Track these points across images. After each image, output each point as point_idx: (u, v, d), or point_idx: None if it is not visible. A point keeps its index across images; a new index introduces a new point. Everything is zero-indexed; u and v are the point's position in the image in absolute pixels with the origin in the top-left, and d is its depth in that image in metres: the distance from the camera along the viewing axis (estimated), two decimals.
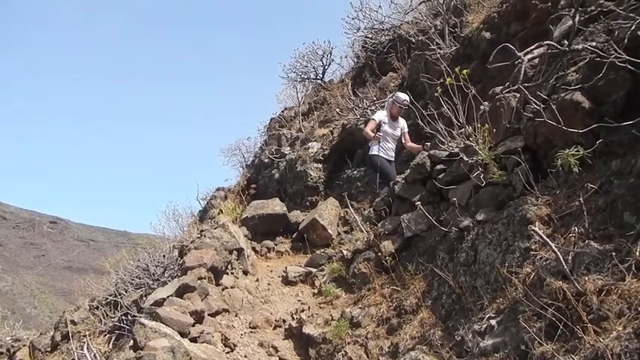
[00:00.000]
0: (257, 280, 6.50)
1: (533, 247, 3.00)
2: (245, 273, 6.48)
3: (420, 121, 5.07)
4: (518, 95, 3.62)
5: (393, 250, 4.73)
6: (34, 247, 69.79)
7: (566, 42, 3.29)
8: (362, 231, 5.64)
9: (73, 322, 6.76)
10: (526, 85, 3.45)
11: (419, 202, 4.48)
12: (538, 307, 2.59)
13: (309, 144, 9.75)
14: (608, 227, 2.66)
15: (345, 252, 5.80)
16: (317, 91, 12.54)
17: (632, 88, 2.88)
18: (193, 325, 4.86)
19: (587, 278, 2.45)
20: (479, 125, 3.85)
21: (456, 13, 7.37)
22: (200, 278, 5.64)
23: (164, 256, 6.81)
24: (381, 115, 6.72)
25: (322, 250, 6.92)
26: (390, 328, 4.14)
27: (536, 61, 3.78)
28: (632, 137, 2.77)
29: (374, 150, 6.59)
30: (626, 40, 2.88)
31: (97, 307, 6.55)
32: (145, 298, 5.78)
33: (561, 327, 2.42)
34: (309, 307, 5.51)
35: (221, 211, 9.51)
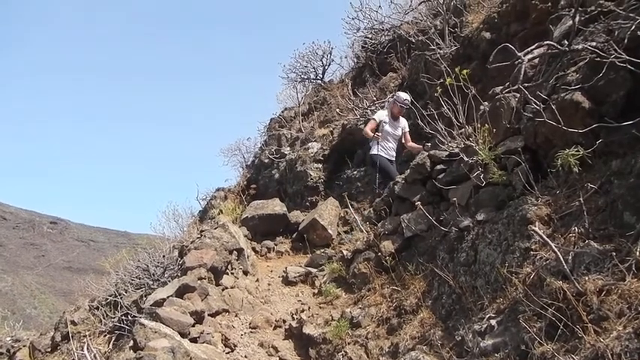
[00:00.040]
0: (257, 280, 6.50)
1: (533, 247, 3.00)
2: (245, 273, 6.48)
3: (420, 121, 5.07)
4: (518, 95, 3.62)
5: (393, 250, 4.73)
6: (34, 247, 69.77)
7: (566, 42, 3.29)
8: (362, 231, 5.64)
9: (73, 323, 6.76)
10: (526, 85, 3.45)
11: (419, 202, 4.48)
12: (538, 307, 2.58)
13: (309, 144, 9.76)
14: (608, 227, 2.66)
15: (345, 252, 5.80)
16: (317, 91, 12.54)
17: (632, 88, 2.88)
18: (193, 326, 4.86)
19: (587, 278, 2.45)
20: (479, 125, 3.85)
21: (456, 13, 7.37)
22: (200, 278, 5.64)
23: (164, 256, 6.81)
24: (382, 115, 6.72)
25: (322, 250, 6.92)
26: (390, 328, 4.14)
27: (536, 61, 3.78)
28: (632, 137, 2.77)
29: (375, 149, 6.59)
30: (626, 40, 2.88)
31: (97, 308, 6.55)
32: (145, 299, 5.78)
33: (561, 327, 2.42)
34: (309, 307, 5.51)
35: (221, 211, 9.51)
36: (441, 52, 6.93)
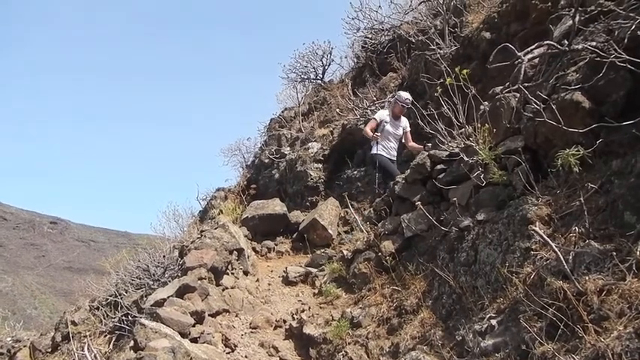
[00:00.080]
0: (257, 280, 6.50)
1: (533, 246, 3.00)
2: (245, 273, 6.48)
3: (420, 121, 5.07)
4: (519, 95, 3.62)
5: (393, 250, 4.73)
6: (35, 247, 69.77)
7: (566, 42, 3.29)
8: (362, 231, 5.64)
9: (74, 323, 6.76)
10: (526, 85, 3.45)
11: (419, 202, 4.48)
12: (539, 306, 2.59)
13: (309, 144, 9.76)
14: (609, 227, 2.66)
15: (345, 252, 5.80)
16: (317, 91, 12.54)
17: (632, 88, 2.88)
18: (194, 326, 4.87)
19: (587, 278, 2.45)
20: (479, 125, 3.85)
21: (456, 13, 7.38)
22: (200, 278, 5.64)
23: (164, 256, 6.81)
24: (383, 115, 6.71)
25: (322, 250, 6.92)
26: (391, 328, 4.14)
27: (537, 61, 3.78)
28: (632, 137, 2.77)
29: (376, 149, 6.58)
30: (626, 40, 2.88)
31: (98, 308, 6.55)
32: (145, 299, 5.78)
33: (562, 327, 2.42)
34: (309, 308, 5.51)
35: (221, 211, 9.51)
36: (441, 52, 6.93)
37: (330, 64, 12.63)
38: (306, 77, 12.86)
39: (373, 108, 8.71)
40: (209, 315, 5.23)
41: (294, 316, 5.48)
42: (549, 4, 4.76)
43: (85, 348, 5.22)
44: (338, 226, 7.53)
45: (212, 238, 6.31)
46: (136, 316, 5.39)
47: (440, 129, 4.45)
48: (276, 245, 7.83)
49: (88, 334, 6.17)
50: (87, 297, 7.63)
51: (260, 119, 20.80)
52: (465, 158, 4.00)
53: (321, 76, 12.78)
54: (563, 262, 2.58)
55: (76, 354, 5.34)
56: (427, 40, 7.35)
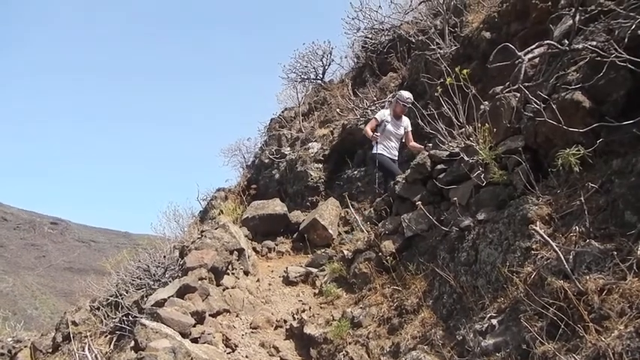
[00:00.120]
0: (258, 280, 6.50)
1: (534, 246, 3.00)
2: (246, 273, 6.48)
3: (420, 121, 5.07)
4: (519, 95, 3.62)
5: (393, 250, 4.73)
6: (35, 248, 69.82)
7: (566, 41, 3.29)
8: (362, 231, 5.64)
9: (74, 323, 6.77)
10: (526, 84, 3.45)
11: (419, 202, 4.48)
12: (539, 306, 2.59)
13: (310, 144, 9.77)
14: (609, 226, 2.66)
15: (345, 252, 5.81)
16: (317, 91, 12.55)
17: (632, 88, 2.88)
18: (194, 326, 4.87)
19: (588, 277, 2.45)
20: (479, 125, 3.86)
21: (456, 12, 7.38)
22: (201, 279, 5.64)
23: (165, 256, 6.82)
24: (384, 114, 6.70)
25: (323, 250, 6.92)
26: (391, 327, 4.14)
27: (537, 60, 3.78)
28: (632, 136, 2.77)
29: (377, 149, 6.57)
30: (626, 40, 2.88)
31: (98, 308, 6.55)
32: (145, 299, 5.78)
33: (563, 326, 2.42)
34: (310, 308, 5.51)
35: (221, 211, 9.52)
36: (441, 51, 6.93)
37: (330, 64, 12.66)
38: (306, 77, 12.87)
39: (373, 108, 8.72)
40: (210, 315, 5.23)
41: (295, 316, 5.48)
42: (549, 3, 4.76)
43: (86, 348, 5.22)
44: (338, 226, 7.54)
45: (212, 239, 6.31)
46: (137, 317, 5.39)
47: (440, 129, 4.45)
48: (277, 245, 7.83)
49: (88, 334, 6.17)
50: (87, 297, 7.64)
51: (260, 119, 20.86)
52: (466, 158, 4.00)
53: (321, 76, 12.79)
54: (564, 261, 2.58)
55: (76, 354, 5.34)
56: (427, 39, 7.35)
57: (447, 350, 3.25)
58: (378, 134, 6.59)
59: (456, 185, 4.18)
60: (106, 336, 6.14)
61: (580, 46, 3.18)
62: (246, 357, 4.85)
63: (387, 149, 6.58)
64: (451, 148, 4.42)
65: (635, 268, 2.31)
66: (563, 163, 2.97)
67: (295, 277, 6.46)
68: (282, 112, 12.92)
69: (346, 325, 4.55)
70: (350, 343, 4.36)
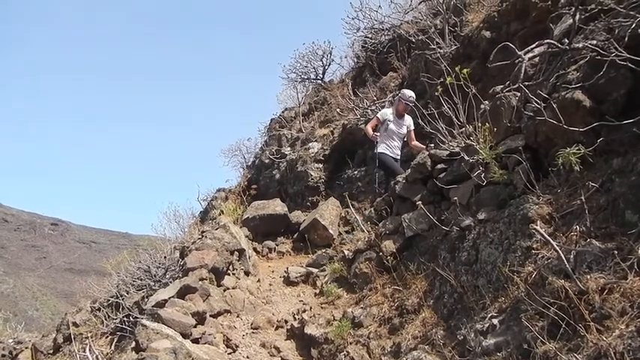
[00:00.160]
0: (258, 280, 6.50)
1: (534, 245, 3.00)
2: (246, 274, 6.48)
3: (420, 121, 5.07)
4: (519, 94, 3.62)
5: (394, 250, 4.73)
6: (36, 249, 69.89)
7: (566, 40, 3.29)
8: (363, 231, 5.64)
9: (75, 324, 6.77)
10: (526, 83, 3.45)
11: (420, 202, 4.48)
12: (540, 305, 2.58)
13: (310, 144, 9.76)
14: (610, 226, 2.66)
15: (346, 252, 5.80)
16: (317, 91, 12.55)
17: (632, 87, 2.88)
18: (195, 326, 4.87)
19: (589, 277, 2.45)
20: (479, 124, 3.85)
21: (456, 12, 7.37)
22: (201, 279, 5.64)
23: (165, 257, 6.82)
24: (387, 113, 6.69)
25: (323, 251, 6.92)
26: (392, 327, 4.14)
27: (537, 59, 3.78)
28: (633, 135, 2.77)
29: (380, 148, 6.56)
30: (626, 39, 2.88)
31: (99, 309, 6.55)
32: (146, 300, 5.78)
33: (564, 326, 2.41)
34: (310, 308, 5.51)
35: (222, 211, 9.52)
36: (441, 51, 6.93)
37: (330, 64, 12.66)
38: (306, 77, 12.87)
39: (373, 108, 8.72)
40: (210, 316, 5.23)
41: (296, 316, 5.48)
42: (549, 2, 4.76)
43: (87, 349, 5.22)
44: (339, 226, 7.53)
45: (213, 239, 6.31)
46: (138, 317, 5.39)
47: (440, 128, 4.45)
48: (277, 245, 7.83)
49: (89, 335, 6.17)
50: (88, 298, 7.64)
51: (260, 119, 20.85)
52: (466, 157, 4.00)
53: (322, 76, 12.79)
54: (565, 261, 2.58)
55: (77, 355, 5.34)
56: (427, 39, 7.35)
57: (447, 350, 3.25)
58: (378, 134, 6.58)
59: (457, 185, 4.18)
60: (107, 337, 6.14)
61: (580, 45, 3.18)
62: (247, 357, 4.85)
63: (389, 148, 6.56)
64: (451, 147, 4.42)
65: (635, 267, 2.31)
66: (564, 162, 2.96)
67: (296, 278, 6.46)
68: (283, 112, 12.92)
69: (347, 325, 4.55)
70: (351, 343, 4.36)
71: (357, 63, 11.90)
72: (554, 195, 3.15)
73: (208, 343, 4.70)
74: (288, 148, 10.69)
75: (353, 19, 10.47)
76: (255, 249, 7.50)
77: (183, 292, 5.37)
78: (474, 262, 3.60)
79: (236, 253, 6.41)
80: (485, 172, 3.78)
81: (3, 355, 8.04)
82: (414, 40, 8.19)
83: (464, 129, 4.13)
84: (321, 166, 9.24)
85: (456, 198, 4.06)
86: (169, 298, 5.26)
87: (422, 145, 6.18)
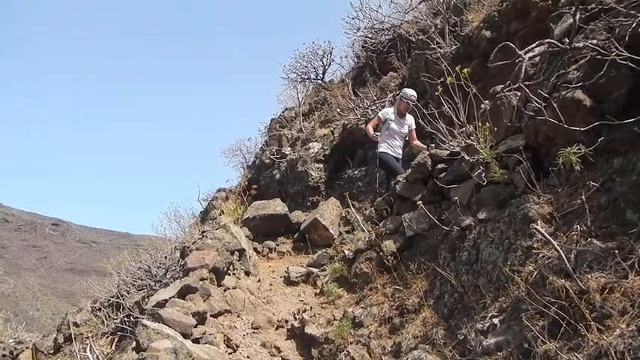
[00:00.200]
0: (259, 280, 6.50)
1: (535, 245, 3.00)
2: (247, 274, 6.48)
3: (420, 121, 5.07)
4: (519, 94, 3.62)
5: (394, 250, 4.73)
6: (36, 249, 69.93)
7: (566, 40, 3.29)
8: (363, 231, 5.64)
9: (76, 324, 6.77)
10: (527, 83, 3.45)
11: (420, 202, 4.47)
12: (541, 305, 2.58)
13: (310, 144, 9.76)
14: (611, 225, 2.66)
15: (346, 252, 5.80)
16: (317, 91, 12.55)
17: (633, 86, 2.88)
18: (196, 326, 4.87)
19: (589, 276, 2.45)
20: (480, 124, 3.85)
21: (456, 11, 7.37)
22: (202, 279, 5.64)
23: (166, 257, 6.82)
24: (388, 112, 6.68)
25: (324, 250, 6.91)
26: (393, 327, 4.14)
27: (537, 59, 3.78)
28: (633, 135, 2.77)
29: (381, 147, 6.56)
30: (627, 38, 2.88)
31: (100, 309, 6.56)
32: (147, 300, 5.78)
33: (564, 325, 2.41)
34: (311, 308, 5.51)
35: (222, 211, 9.52)
36: (442, 51, 6.93)
37: (330, 64, 12.65)
38: (306, 77, 12.87)
39: (374, 108, 8.72)
40: (211, 315, 5.23)
41: (296, 316, 5.48)
42: (550, 2, 4.76)
43: (87, 349, 5.22)
44: (339, 225, 7.53)
45: (213, 239, 6.31)
46: (138, 317, 5.39)
47: (441, 128, 4.45)
48: (278, 245, 7.83)
49: (90, 335, 6.17)
50: (89, 298, 7.65)
51: (260, 119, 20.85)
52: (466, 157, 4.00)
53: (322, 76, 12.79)
54: (565, 260, 2.58)
55: (78, 355, 5.35)
56: (427, 39, 7.35)
57: (448, 350, 3.25)
58: (379, 134, 6.58)
59: (457, 184, 4.18)
60: (108, 337, 6.15)
61: (580, 44, 3.18)
62: (248, 357, 4.85)
63: (391, 147, 6.55)
64: (452, 147, 4.42)
65: (636, 266, 2.31)
66: (564, 161, 2.96)
67: (296, 277, 6.46)
68: (283, 112, 12.92)
69: (347, 325, 4.55)
70: (351, 343, 4.36)
71: (357, 63, 11.90)
72: (555, 194, 3.15)
73: (209, 343, 4.70)
74: (289, 148, 10.69)
75: (353, 18, 10.49)
76: (255, 249, 7.50)
77: (184, 292, 5.37)
78: (474, 262, 3.60)
79: (236, 253, 6.41)
80: (486, 171, 3.78)
81: (4, 355, 8.06)
82: (414, 40, 8.20)
83: (464, 129, 4.13)
84: (321, 166, 9.24)
85: (456, 198, 4.06)
86: (170, 298, 5.26)
87: (423, 145, 6.18)
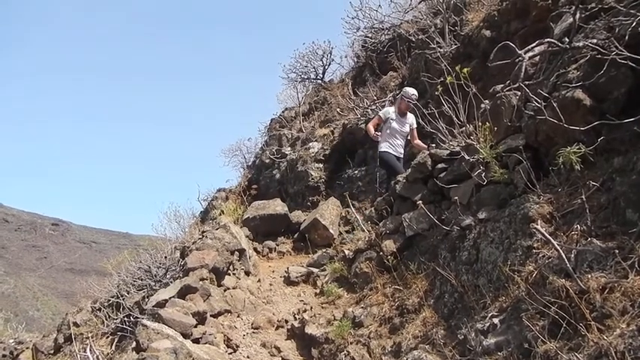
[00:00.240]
0: (259, 280, 6.50)
1: (535, 245, 3.00)
2: (247, 274, 6.48)
3: (420, 120, 5.07)
4: (519, 93, 3.62)
5: (394, 250, 4.72)
6: (36, 249, 69.97)
7: (566, 39, 3.29)
8: (363, 230, 5.64)
9: (76, 324, 6.77)
10: (527, 83, 3.45)
11: (420, 201, 4.47)
12: (541, 305, 2.58)
13: (310, 144, 9.76)
14: (611, 225, 2.65)
15: (346, 252, 5.80)
16: (317, 91, 12.55)
17: (633, 85, 2.88)
18: (196, 326, 4.87)
19: (589, 276, 2.45)
20: (480, 124, 3.85)
21: (456, 11, 7.37)
22: (202, 279, 5.64)
23: (166, 257, 6.82)
24: (389, 112, 6.67)
25: (324, 250, 6.91)
26: (393, 327, 4.14)
27: (537, 58, 3.78)
28: (633, 134, 2.77)
29: (382, 146, 6.55)
30: (627, 37, 2.88)
31: (100, 309, 6.56)
32: (147, 300, 5.78)
33: (564, 325, 2.41)
34: (311, 307, 5.51)
35: (222, 211, 9.52)
36: (442, 50, 6.93)
37: (330, 63, 12.65)
38: (306, 77, 12.87)
39: (374, 107, 8.72)
40: (211, 315, 5.23)
41: (296, 316, 5.48)
42: (549, 1, 4.76)
43: (88, 349, 5.22)
44: (339, 225, 7.53)
45: (213, 239, 6.31)
46: (138, 317, 5.39)
47: (441, 128, 4.45)
48: (278, 245, 7.83)
49: (90, 335, 6.17)
50: (89, 298, 7.64)
51: (260, 119, 20.86)
52: (466, 157, 3.99)
53: (322, 75, 12.79)
54: (565, 260, 2.57)
55: (78, 355, 5.34)
56: (427, 38, 7.34)
57: (448, 349, 3.24)
58: (379, 133, 6.57)
59: (457, 184, 4.18)
60: (108, 337, 6.14)
61: (580, 43, 3.18)
62: (248, 357, 4.85)
63: (392, 147, 6.54)
64: (452, 147, 4.42)
65: (636, 266, 2.31)
66: (564, 161, 2.96)
67: (296, 277, 6.45)
68: (283, 112, 12.92)
69: (347, 325, 4.55)
70: (351, 343, 4.36)
71: (357, 62, 11.90)
72: (555, 194, 3.15)
73: (209, 343, 4.70)
74: (289, 148, 10.69)
75: (353, 18, 10.48)
76: (255, 249, 7.50)
77: (184, 292, 5.37)
78: (474, 262, 3.60)
79: (236, 253, 6.41)
80: (486, 171, 3.78)
81: (4, 356, 8.06)
82: (414, 40, 8.19)
83: (464, 128, 4.13)
84: (321, 165, 9.23)
85: (456, 197, 4.06)
86: (170, 298, 5.26)
87: (424, 145, 6.17)
